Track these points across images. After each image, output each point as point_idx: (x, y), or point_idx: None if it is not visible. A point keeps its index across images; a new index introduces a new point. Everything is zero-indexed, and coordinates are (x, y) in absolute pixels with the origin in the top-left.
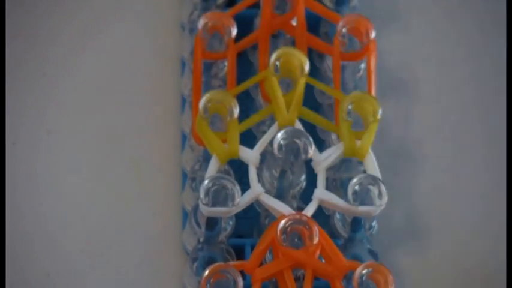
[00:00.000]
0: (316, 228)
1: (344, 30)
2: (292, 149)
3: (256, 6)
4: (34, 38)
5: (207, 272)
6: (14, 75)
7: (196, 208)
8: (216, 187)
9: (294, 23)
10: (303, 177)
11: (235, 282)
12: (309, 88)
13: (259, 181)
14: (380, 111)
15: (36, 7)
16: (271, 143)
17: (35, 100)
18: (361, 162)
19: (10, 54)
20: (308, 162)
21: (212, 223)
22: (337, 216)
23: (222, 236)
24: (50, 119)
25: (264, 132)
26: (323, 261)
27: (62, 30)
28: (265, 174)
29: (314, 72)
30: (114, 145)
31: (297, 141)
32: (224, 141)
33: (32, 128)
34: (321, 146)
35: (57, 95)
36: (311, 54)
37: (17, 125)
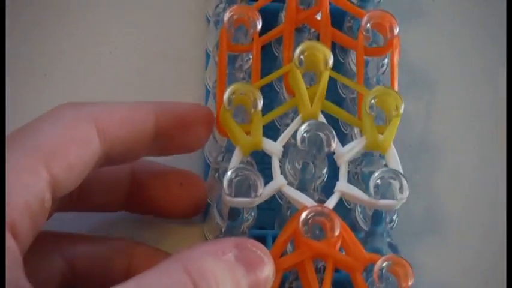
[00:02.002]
0: (337, 221)
1: (368, 25)
2: (315, 142)
3: (282, 0)
4: (34, 37)
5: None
6: (14, 75)
7: (219, 198)
8: (239, 178)
9: (318, 17)
10: (325, 169)
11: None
12: (332, 82)
13: (281, 173)
14: (403, 106)
15: (37, 6)
16: (294, 135)
17: (36, 100)
18: (383, 156)
19: (10, 54)
20: (330, 155)
21: (234, 213)
22: (358, 209)
23: (244, 227)
24: None
25: (287, 125)
26: (343, 253)
27: (64, 30)
28: (288, 166)
29: (338, 66)
30: None
31: (320, 134)
32: (248, 132)
33: None
34: (343, 139)
35: (58, 95)
36: (335, 48)
37: (17, 125)
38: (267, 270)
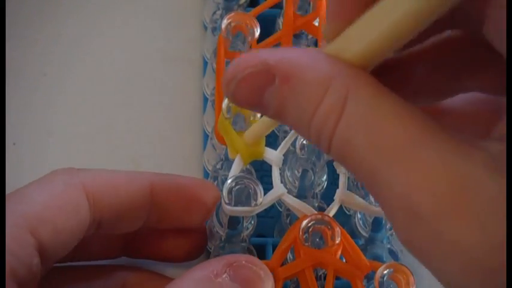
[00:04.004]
0: (338, 229)
1: None
2: (314, 149)
3: (278, 6)
4: (34, 38)
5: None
6: (14, 75)
7: (218, 207)
8: (239, 186)
9: (316, 23)
10: (325, 177)
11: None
12: None
13: (281, 180)
14: None
15: (36, 6)
16: (293, 142)
17: (36, 100)
18: None
19: (10, 54)
20: (329, 162)
21: (234, 222)
22: (358, 215)
23: (244, 235)
24: (51, 119)
25: (286, 132)
26: (344, 261)
27: (64, 30)
28: (287, 173)
29: None
30: (127, 146)
31: None
32: None
33: (32, 128)
34: None
35: (58, 95)
36: None
37: (17, 125)
38: (266, 286)
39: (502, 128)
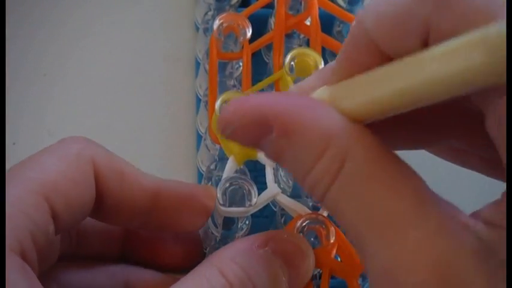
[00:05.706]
0: (333, 228)
1: None
2: None
3: (270, 6)
4: (34, 38)
5: None
6: (14, 75)
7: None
8: (233, 187)
9: (307, 22)
10: None
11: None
12: None
13: (275, 180)
14: None
15: (36, 7)
16: None
17: (36, 100)
18: None
19: (10, 54)
20: None
21: (229, 223)
22: None
23: (239, 236)
24: (51, 119)
25: None
26: (339, 260)
27: (63, 30)
28: (281, 173)
29: None
30: (122, 146)
31: None
32: None
33: (32, 128)
34: None
35: (58, 95)
36: (325, 53)
37: (17, 125)
38: (307, 261)
39: (488, 210)
